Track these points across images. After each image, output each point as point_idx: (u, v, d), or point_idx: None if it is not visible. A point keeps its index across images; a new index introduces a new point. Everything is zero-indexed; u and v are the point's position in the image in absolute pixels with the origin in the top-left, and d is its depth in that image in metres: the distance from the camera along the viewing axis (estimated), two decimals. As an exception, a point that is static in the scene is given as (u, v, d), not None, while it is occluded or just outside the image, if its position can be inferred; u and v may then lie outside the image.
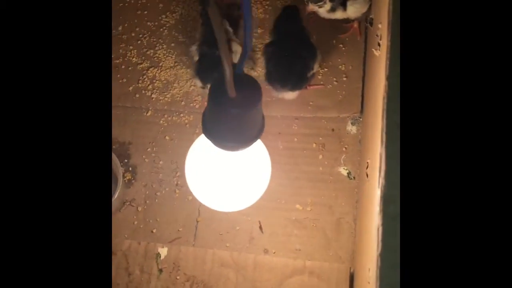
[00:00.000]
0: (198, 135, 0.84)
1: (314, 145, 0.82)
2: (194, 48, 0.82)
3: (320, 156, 0.81)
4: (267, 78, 0.79)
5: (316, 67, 0.80)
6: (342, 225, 0.76)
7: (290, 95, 0.79)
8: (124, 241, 0.76)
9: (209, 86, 0.80)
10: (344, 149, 0.81)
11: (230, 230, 0.78)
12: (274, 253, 0.75)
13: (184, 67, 0.89)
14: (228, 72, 0.42)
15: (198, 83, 0.82)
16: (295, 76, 0.77)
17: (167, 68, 0.89)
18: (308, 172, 0.80)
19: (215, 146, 0.53)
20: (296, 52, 0.77)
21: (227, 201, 0.67)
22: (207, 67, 0.80)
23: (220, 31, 0.40)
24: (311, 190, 0.79)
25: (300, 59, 0.77)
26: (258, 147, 0.63)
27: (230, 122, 0.47)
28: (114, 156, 0.77)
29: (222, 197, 0.66)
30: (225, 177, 0.63)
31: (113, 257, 0.75)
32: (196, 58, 0.81)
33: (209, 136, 0.51)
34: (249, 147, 0.53)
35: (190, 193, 0.80)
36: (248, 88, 0.46)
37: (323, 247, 0.75)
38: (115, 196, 0.75)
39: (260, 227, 0.77)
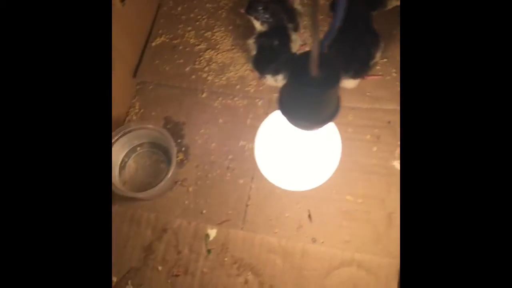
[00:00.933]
0: (251, 119, 0.84)
1: (369, 136, 0.80)
2: (251, 41, 0.81)
3: (375, 148, 0.80)
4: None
5: (378, 56, 0.78)
6: (393, 220, 0.75)
7: (351, 83, 0.78)
8: (174, 220, 0.77)
9: (268, 77, 0.81)
10: (399, 142, 0.79)
11: (279, 217, 0.78)
12: (322, 242, 0.75)
13: (240, 50, 0.89)
14: (316, 49, 0.41)
15: (257, 75, 0.82)
16: (358, 63, 0.76)
17: (224, 51, 0.90)
18: (362, 164, 0.79)
19: (289, 125, 0.52)
20: (359, 38, 0.76)
21: (294, 179, 0.66)
22: (265, 59, 0.79)
23: (316, 3, 0.39)
24: (363, 182, 0.77)
25: (363, 46, 0.76)
26: (331, 128, 0.62)
27: (308, 101, 0.47)
28: (168, 135, 0.78)
29: (290, 175, 0.66)
30: (295, 156, 0.62)
31: (163, 234, 0.77)
32: (254, 51, 0.81)
33: (285, 113, 0.50)
34: (323, 128, 0.52)
35: (242, 177, 0.81)
36: (329, 67, 0.45)
37: (373, 241, 0.74)
38: (169, 175, 0.76)
39: (309, 216, 0.77)
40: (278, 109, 0.52)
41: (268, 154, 0.66)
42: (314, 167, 0.65)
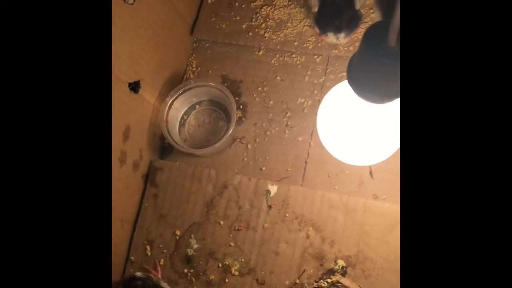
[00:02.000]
0: (310, 76, 0.83)
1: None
2: None
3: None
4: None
5: None
6: (457, 177, 0.73)
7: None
8: (235, 176, 0.78)
9: (330, 34, 0.79)
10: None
11: (339, 174, 0.78)
12: (385, 199, 0.75)
13: (298, 6, 0.87)
14: (397, 18, 0.39)
15: (317, 32, 0.80)
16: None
17: (281, 7, 0.88)
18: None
19: (355, 97, 0.51)
20: None
21: (356, 154, 0.66)
22: (328, 16, 0.77)
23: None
24: (427, 139, 0.76)
25: None
26: (398, 105, 0.61)
27: (382, 72, 0.45)
28: (228, 92, 0.78)
29: (352, 150, 0.65)
30: (358, 130, 0.61)
31: (224, 190, 0.78)
32: (316, 8, 0.78)
33: (354, 85, 0.49)
34: (390, 103, 0.51)
35: (300, 134, 0.81)
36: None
37: (437, 198, 0.72)
38: (229, 132, 0.77)
39: (371, 173, 0.77)
40: (346, 79, 0.50)
41: (330, 127, 0.65)
42: (376, 143, 0.63)
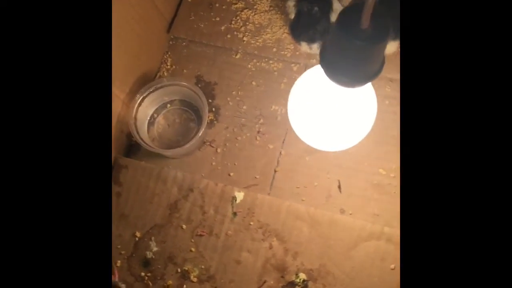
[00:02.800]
0: (286, 84, 0.82)
1: (406, 110, 0.78)
2: (291, 4, 0.78)
3: (411, 123, 0.77)
4: None
5: None
6: (425, 196, 0.73)
7: (392, 46, 0.75)
8: (202, 180, 0.76)
9: (303, 43, 0.78)
10: (438, 118, 0.77)
11: (307, 185, 0.76)
12: (351, 214, 0.74)
13: (279, 12, 0.86)
14: (371, 2, 0.39)
15: (291, 39, 0.79)
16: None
17: (262, 12, 0.87)
18: (397, 138, 0.77)
19: (327, 80, 0.50)
20: None
21: (327, 138, 0.65)
22: (303, 25, 0.77)
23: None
24: (397, 156, 0.75)
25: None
26: (369, 89, 0.60)
27: (354, 55, 0.44)
28: (201, 93, 0.77)
29: (323, 134, 0.64)
30: (330, 114, 0.60)
31: (189, 193, 0.76)
32: (293, 15, 0.78)
33: (326, 68, 0.48)
34: (361, 87, 0.50)
35: (272, 142, 0.79)
36: (379, 21, 0.42)
37: (403, 216, 0.72)
38: (199, 134, 0.75)
39: (339, 187, 0.76)
40: (319, 62, 0.49)
41: (302, 111, 0.64)
42: (348, 127, 0.63)
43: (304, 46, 0.79)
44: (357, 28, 0.42)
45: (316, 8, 0.75)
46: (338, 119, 0.61)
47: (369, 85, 0.60)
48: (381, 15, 0.42)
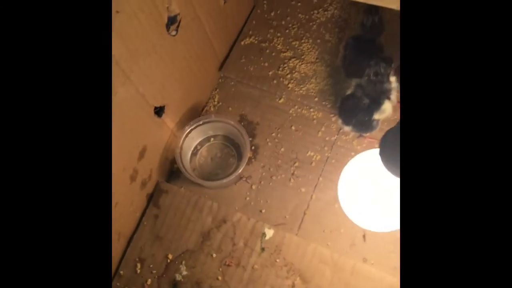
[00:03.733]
0: (323, 132, 0.88)
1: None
2: (353, 83, 0.81)
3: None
4: None
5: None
6: (445, 257, 0.77)
7: None
8: (235, 213, 0.81)
9: (339, 120, 0.82)
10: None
11: (333, 231, 0.81)
12: (373, 264, 0.78)
13: (324, 65, 0.92)
14: None
15: (332, 92, 0.85)
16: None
17: (308, 63, 0.93)
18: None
19: (382, 168, 0.55)
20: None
21: (373, 220, 0.70)
22: (346, 105, 0.81)
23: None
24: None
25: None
26: None
27: None
28: (245, 133, 0.82)
29: (370, 215, 0.69)
30: (378, 198, 0.65)
31: (222, 224, 0.81)
32: (348, 91, 0.82)
33: (385, 159, 0.54)
34: None
35: (304, 186, 0.84)
36: None
37: (422, 273, 0.76)
38: (239, 171, 0.80)
39: (364, 236, 0.80)
40: (379, 152, 0.55)
41: (351, 192, 0.69)
42: (393, 212, 0.68)
43: (339, 122, 0.83)
44: None
45: (367, 101, 0.79)
46: (387, 203, 0.66)
47: None
48: None
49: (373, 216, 0.69)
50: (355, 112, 0.79)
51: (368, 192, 0.67)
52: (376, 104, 0.78)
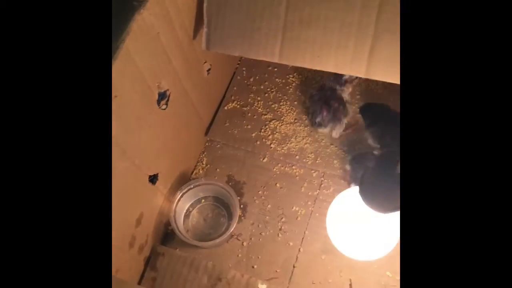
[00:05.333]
0: (306, 188, 0.94)
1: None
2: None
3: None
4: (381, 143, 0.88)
5: None
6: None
7: None
8: (229, 270, 0.86)
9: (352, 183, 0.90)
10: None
11: (322, 281, 0.86)
12: (361, 311, 0.83)
13: (302, 125, 1.00)
14: None
15: (312, 149, 0.93)
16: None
17: (288, 123, 1.01)
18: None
19: (364, 205, 0.62)
20: None
21: (358, 250, 0.76)
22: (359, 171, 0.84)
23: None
24: (403, 261, 0.86)
25: None
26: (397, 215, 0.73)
27: (387, 192, 0.57)
28: (234, 194, 0.88)
29: (355, 245, 0.76)
30: (362, 230, 0.72)
31: (218, 282, 0.85)
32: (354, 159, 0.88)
33: (366, 197, 0.61)
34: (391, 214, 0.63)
35: (292, 240, 0.90)
36: None
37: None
38: (230, 230, 0.86)
39: (350, 285, 0.85)
40: (359, 192, 0.62)
41: (339, 227, 0.76)
42: (378, 242, 0.74)
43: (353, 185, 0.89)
44: (391, 172, 0.54)
45: (370, 164, 0.81)
46: (370, 235, 0.73)
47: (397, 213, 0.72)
48: None
49: (358, 246, 0.76)
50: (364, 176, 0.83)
51: (352, 224, 0.74)
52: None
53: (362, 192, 0.61)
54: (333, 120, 0.94)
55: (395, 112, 0.91)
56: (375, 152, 0.86)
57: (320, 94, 0.96)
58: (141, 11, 0.67)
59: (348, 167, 0.89)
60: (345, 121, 0.95)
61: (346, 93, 0.97)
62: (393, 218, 0.71)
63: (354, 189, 0.76)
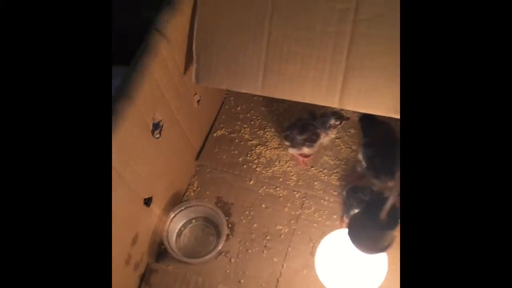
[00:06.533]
0: (289, 208, 1.02)
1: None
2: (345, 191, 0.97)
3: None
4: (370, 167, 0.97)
5: None
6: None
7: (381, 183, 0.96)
8: (217, 285, 0.93)
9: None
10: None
11: (304, 294, 0.94)
12: (339, 321, 0.90)
13: (285, 150, 1.08)
14: (390, 204, 0.60)
15: (296, 172, 1.01)
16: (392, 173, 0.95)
17: (272, 148, 1.09)
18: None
19: (351, 245, 0.70)
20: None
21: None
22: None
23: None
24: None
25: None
26: (383, 257, 0.80)
27: (374, 235, 0.65)
28: (222, 215, 0.96)
29: (342, 283, 0.83)
30: (349, 269, 0.80)
31: (207, 297, 0.92)
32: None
33: (354, 239, 0.68)
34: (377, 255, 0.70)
35: (276, 256, 0.98)
36: (394, 214, 0.63)
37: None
38: (218, 248, 0.93)
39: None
40: (348, 234, 0.69)
41: (327, 266, 0.83)
42: (364, 281, 0.82)
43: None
44: (377, 218, 0.62)
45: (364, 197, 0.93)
46: (355, 274, 0.80)
47: (383, 254, 0.80)
48: (395, 211, 0.63)
49: (345, 283, 0.83)
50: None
51: (340, 262, 0.81)
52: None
53: (351, 234, 0.70)
54: (304, 143, 1.02)
55: (393, 135, 0.98)
56: (374, 188, 0.94)
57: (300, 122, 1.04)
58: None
59: (344, 193, 0.97)
60: (315, 147, 1.03)
61: (328, 137, 1.04)
62: (379, 258, 0.79)
63: (342, 231, 0.84)
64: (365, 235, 0.67)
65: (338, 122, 1.02)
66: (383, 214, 0.62)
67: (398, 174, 0.55)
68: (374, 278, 0.81)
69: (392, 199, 0.60)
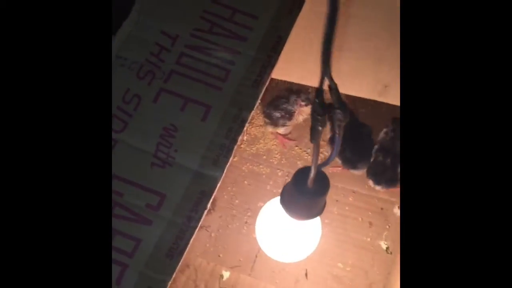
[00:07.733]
0: (271, 186, 1.03)
1: (363, 218, 0.99)
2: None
3: (367, 228, 0.98)
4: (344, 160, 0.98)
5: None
6: (373, 289, 0.92)
7: (358, 172, 0.98)
8: (196, 258, 0.95)
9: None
10: (387, 226, 0.98)
11: (281, 270, 0.95)
12: (314, 297, 0.92)
13: (270, 127, 1.09)
14: (313, 171, 0.60)
15: (279, 150, 1.02)
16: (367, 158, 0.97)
17: (257, 126, 1.09)
18: (354, 239, 0.97)
19: (286, 213, 0.71)
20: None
21: (284, 254, 0.84)
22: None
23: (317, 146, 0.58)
24: (353, 254, 0.95)
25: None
26: (317, 221, 0.81)
27: (303, 202, 0.66)
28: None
29: (281, 250, 0.84)
30: (287, 235, 0.81)
31: (186, 269, 0.94)
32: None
33: (285, 207, 0.69)
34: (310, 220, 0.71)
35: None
36: (321, 182, 0.63)
37: (354, 303, 0.91)
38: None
39: (306, 274, 0.95)
40: (280, 202, 0.70)
41: (265, 230, 0.84)
42: (299, 245, 0.83)
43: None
44: (306, 186, 0.63)
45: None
46: (293, 239, 0.81)
47: (317, 219, 0.80)
48: (322, 178, 0.63)
49: (283, 250, 0.84)
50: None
51: (278, 231, 0.82)
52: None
53: (283, 202, 0.70)
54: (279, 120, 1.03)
55: (358, 123, 1.01)
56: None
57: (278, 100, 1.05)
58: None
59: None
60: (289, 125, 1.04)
61: (302, 116, 1.05)
62: (311, 224, 0.80)
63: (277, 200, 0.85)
64: (296, 204, 0.68)
65: (304, 103, 1.02)
66: (310, 183, 0.62)
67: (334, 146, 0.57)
68: (310, 241, 0.83)
69: (314, 168, 0.60)
